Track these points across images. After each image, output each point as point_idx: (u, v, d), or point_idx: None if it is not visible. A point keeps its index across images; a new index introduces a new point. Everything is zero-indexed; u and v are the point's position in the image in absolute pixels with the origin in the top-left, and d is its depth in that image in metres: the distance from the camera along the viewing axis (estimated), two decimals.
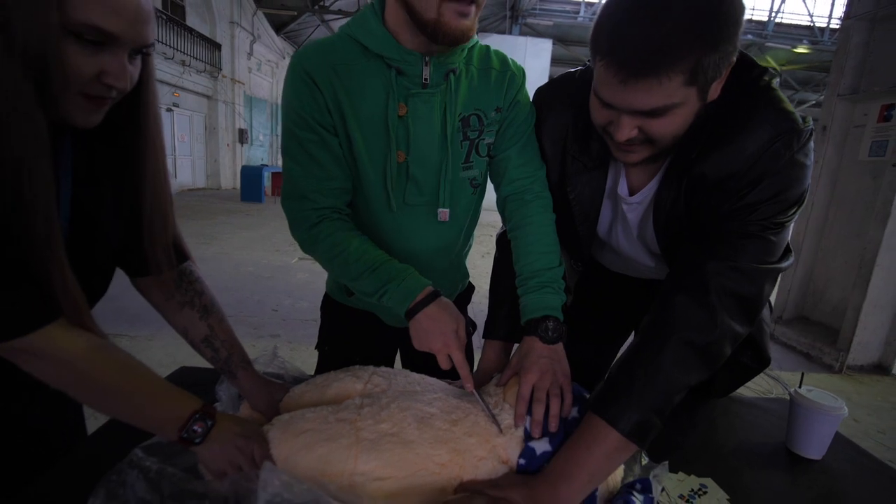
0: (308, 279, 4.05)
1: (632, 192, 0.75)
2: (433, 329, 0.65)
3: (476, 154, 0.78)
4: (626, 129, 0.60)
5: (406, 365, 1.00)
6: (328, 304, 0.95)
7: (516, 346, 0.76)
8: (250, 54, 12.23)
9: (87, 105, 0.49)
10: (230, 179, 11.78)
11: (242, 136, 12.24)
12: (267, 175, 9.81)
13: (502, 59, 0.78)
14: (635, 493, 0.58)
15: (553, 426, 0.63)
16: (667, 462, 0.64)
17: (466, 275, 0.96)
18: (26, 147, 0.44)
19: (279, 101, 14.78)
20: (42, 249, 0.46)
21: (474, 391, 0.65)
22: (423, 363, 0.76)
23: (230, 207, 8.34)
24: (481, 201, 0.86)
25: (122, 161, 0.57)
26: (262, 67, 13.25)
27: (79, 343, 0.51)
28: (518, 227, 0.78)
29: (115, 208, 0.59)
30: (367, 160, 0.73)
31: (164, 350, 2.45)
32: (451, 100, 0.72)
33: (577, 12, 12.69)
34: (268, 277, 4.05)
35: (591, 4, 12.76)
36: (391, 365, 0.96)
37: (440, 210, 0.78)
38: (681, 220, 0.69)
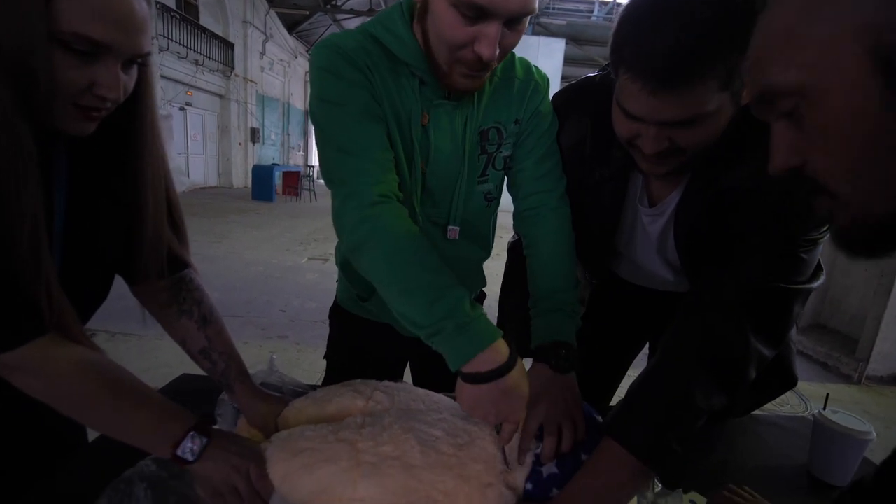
0: (317, 280, 4.06)
1: (652, 203, 0.71)
2: (500, 404, 0.54)
3: (492, 168, 0.75)
4: (656, 142, 0.57)
5: (416, 376, 0.97)
6: (337, 312, 0.90)
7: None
8: (263, 53, 12.34)
9: (79, 115, 0.47)
10: (242, 178, 11.90)
11: (254, 134, 12.35)
12: (278, 174, 9.90)
13: (526, 67, 0.74)
14: None
15: (565, 452, 0.60)
16: (680, 490, 0.61)
17: (484, 282, 0.92)
18: (6, 155, 0.42)
19: (291, 101, 15.02)
20: (27, 262, 0.45)
21: (503, 449, 0.60)
22: (434, 376, 0.72)
23: (241, 206, 8.41)
24: (495, 213, 0.82)
25: (118, 169, 0.56)
26: (274, 67, 13.36)
27: (67, 358, 0.49)
28: (533, 244, 0.76)
29: (114, 215, 0.58)
30: (398, 166, 0.66)
31: (173, 350, 2.46)
32: (473, 113, 0.69)
33: (591, 11, 12.56)
34: (277, 277, 4.06)
35: (606, 3, 12.61)
36: (401, 375, 0.94)
37: (450, 228, 0.75)
38: (704, 234, 0.66)
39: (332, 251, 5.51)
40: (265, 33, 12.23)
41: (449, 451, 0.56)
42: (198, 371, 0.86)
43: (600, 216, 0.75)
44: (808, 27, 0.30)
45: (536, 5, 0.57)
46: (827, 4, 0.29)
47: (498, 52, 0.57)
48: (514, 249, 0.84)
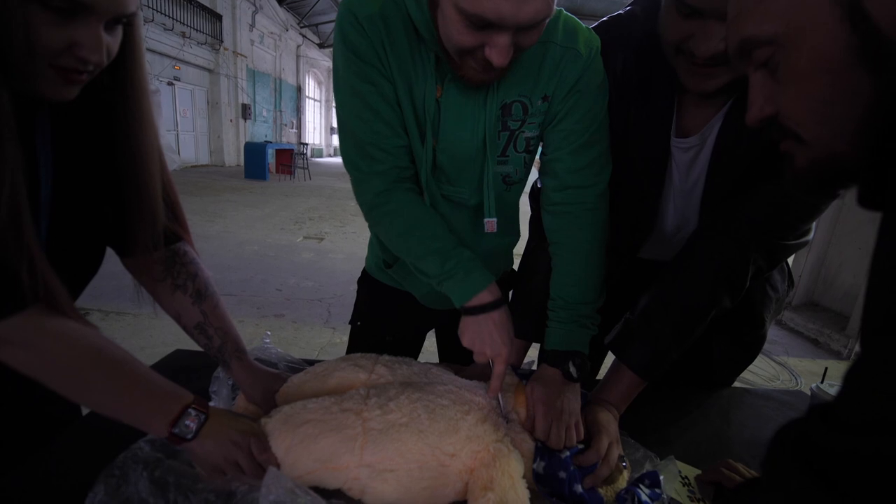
0: (313, 259, 4.04)
1: (684, 134, 0.69)
2: (494, 335, 0.61)
3: (514, 148, 0.67)
4: (715, 40, 0.54)
5: (441, 349, 0.99)
6: (365, 280, 0.92)
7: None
8: (252, 26, 11.92)
9: (58, 79, 0.44)
10: (234, 156, 11.69)
11: (245, 111, 12.06)
12: (271, 152, 9.72)
13: (571, 30, 0.63)
14: (642, 487, 0.56)
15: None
16: (673, 455, 0.63)
17: (511, 262, 0.90)
18: None
19: (283, 76, 14.60)
20: (6, 230, 0.42)
21: (498, 398, 0.63)
22: (457, 348, 0.71)
23: (234, 185, 8.29)
24: (518, 198, 0.76)
25: (107, 137, 0.53)
26: (264, 40, 12.94)
27: (57, 332, 0.48)
28: (564, 245, 0.71)
29: (104, 185, 0.56)
30: (410, 141, 0.66)
31: (169, 328, 2.46)
32: (494, 85, 0.62)
33: None
34: (272, 256, 4.04)
35: None
36: (420, 346, 0.97)
37: (486, 220, 0.68)
38: (740, 161, 0.66)
39: (328, 230, 5.45)
40: (254, 4, 11.78)
41: (457, 417, 0.56)
42: (193, 347, 0.85)
43: (648, 155, 0.71)
44: None
45: (553, 8, 0.51)
46: None
47: (512, 54, 0.53)
48: (535, 195, 0.80)
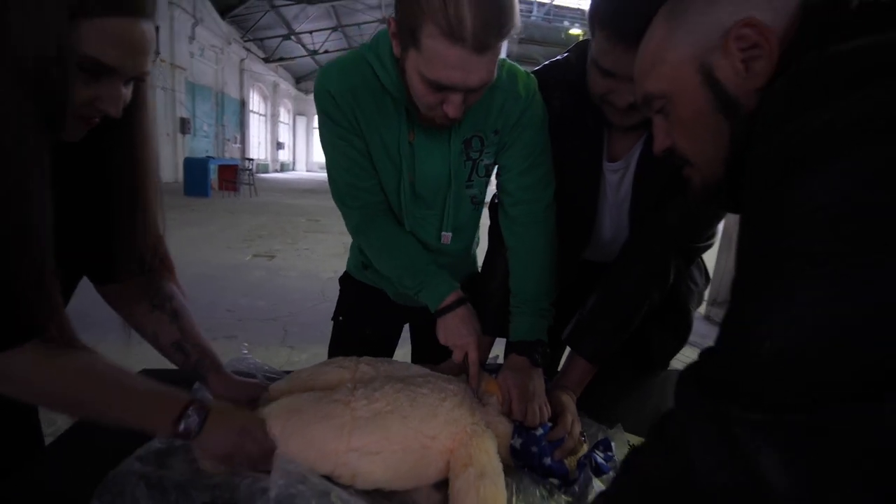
0: (264, 277, 3.91)
1: (613, 159, 0.83)
2: (459, 328, 0.73)
3: (476, 175, 0.82)
4: (629, 96, 0.67)
5: (414, 338, 1.08)
6: (347, 279, 1.04)
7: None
8: (192, 38, 11.45)
9: (78, 125, 0.49)
10: (171, 172, 11.00)
11: (184, 125, 11.45)
12: (213, 167, 9.29)
13: (512, 76, 0.76)
14: (597, 452, 0.66)
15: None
16: (621, 424, 0.75)
17: (475, 263, 1.02)
18: (24, 167, 0.44)
19: (225, 90, 14.06)
20: (35, 269, 0.47)
21: (475, 386, 0.72)
22: (430, 339, 0.79)
23: (173, 202, 7.81)
24: (480, 215, 0.91)
25: (105, 171, 0.57)
26: (205, 53, 12.45)
27: (58, 366, 0.51)
28: (520, 250, 0.83)
29: (93, 216, 0.59)
30: (383, 179, 0.79)
31: (135, 352, 2.29)
32: (456, 126, 0.75)
33: (531, 11, 12.98)
34: (220, 277, 3.86)
35: (543, 5, 13.09)
36: (398, 336, 1.06)
37: (443, 234, 0.84)
38: (657, 180, 0.79)
39: (278, 247, 5.26)
40: (194, 16, 11.34)
41: (435, 403, 0.63)
42: (159, 366, 0.85)
43: (583, 176, 0.84)
44: (665, 55, 0.46)
45: (494, 74, 0.64)
46: (673, 40, 0.45)
47: (464, 108, 0.66)
48: (495, 209, 0.91)
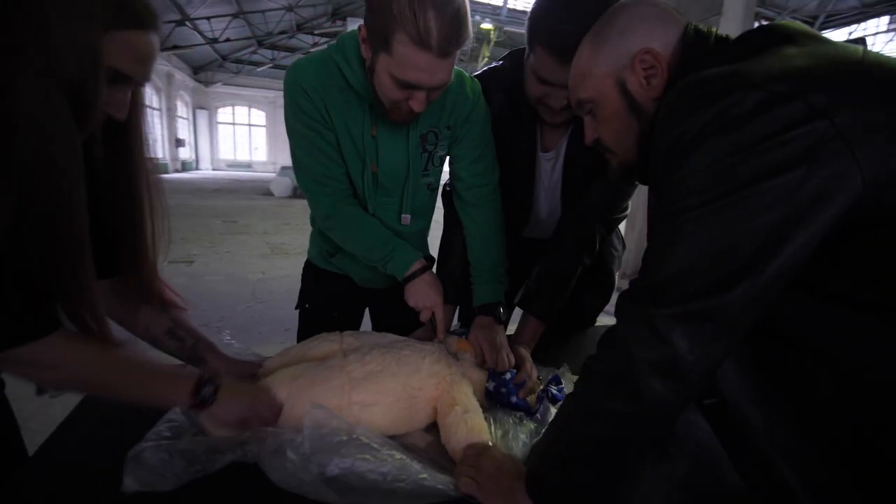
0: (186, 283, 3.61)
1: (546, 150, 1.00)
2: (427, 291, 0.84)
3: (432, 164, 0.93)
4: (562, 99, 0.81)
5: (374, 319, 1.15)
6: (309, 269, 1.11)
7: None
8: None
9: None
10: None
11: None
12: None
13: (460, 79, 0.88)
14: (552, 386, 0.81)
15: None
16: (566, 364, 0.92)
17: (426, 246, 1.11)
18: (68, 162, 0.48)
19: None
20: (75, 260, 0.49)
21: (442, 339, 0.84)
22: (389, 319, 0.90)
23: None
24: (436, 199, 1.03)
25: (100, 171, 0.59)
26: None
27: (85, 354, 0.55)
28: (474, 226, 0.96)
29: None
30: (350, 168, 0.87)
31: None
32: (414, 123, 0.85)
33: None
34: None
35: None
36: (361, 318, 1.13)
37: (403, 216, 0.94)
38: (581, 166, 0.96)
39: (196, 251, 4.86)
40: None
41: (418, 361, 0.73)
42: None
43: (522, 163, 0.99)
44: (592, 70, 0.60)
45: (452, 75, 0.75)
46: (597, 60, 0.59)
47: (426, 103, 0.75)
48: (448, 197, 1.05)
